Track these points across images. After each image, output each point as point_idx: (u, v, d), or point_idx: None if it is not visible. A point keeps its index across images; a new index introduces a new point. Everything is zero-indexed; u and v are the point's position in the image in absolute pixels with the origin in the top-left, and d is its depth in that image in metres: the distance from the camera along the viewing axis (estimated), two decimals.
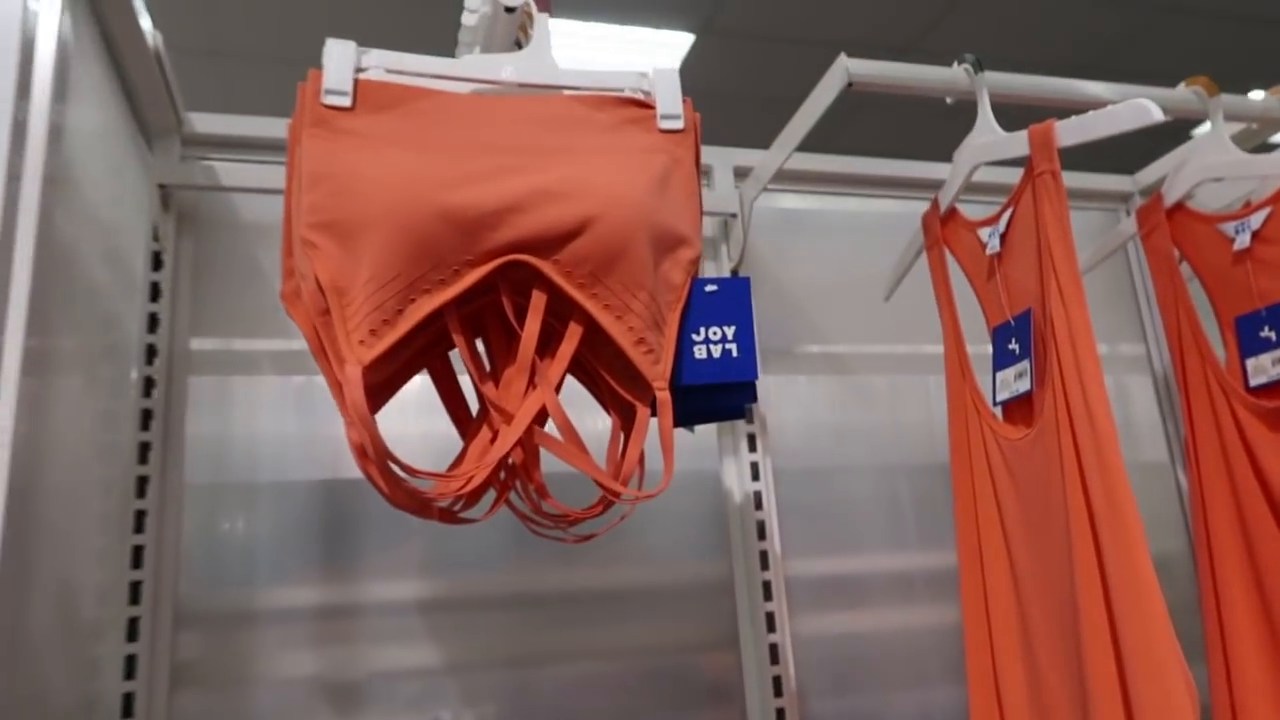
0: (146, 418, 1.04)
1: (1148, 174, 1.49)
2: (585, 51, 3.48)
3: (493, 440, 0.78)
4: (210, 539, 1.06)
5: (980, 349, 1.08)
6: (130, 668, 0.99)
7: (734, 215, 1.30)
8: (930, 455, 1.33)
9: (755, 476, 1.24)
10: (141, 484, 1.03)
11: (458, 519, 0.80)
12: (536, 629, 1.14)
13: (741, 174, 1.33)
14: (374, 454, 0.71)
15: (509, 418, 0.75)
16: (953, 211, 1.10)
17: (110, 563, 0.98)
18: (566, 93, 0.82)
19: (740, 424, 1.26)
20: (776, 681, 1.16)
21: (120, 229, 0.98)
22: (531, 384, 0.76)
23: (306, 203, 0.71)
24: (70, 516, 0.88)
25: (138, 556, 1.01)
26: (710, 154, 1.36)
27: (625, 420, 0.80)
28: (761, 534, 1.22)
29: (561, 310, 0.76)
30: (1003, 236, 0.99)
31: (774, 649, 1.17)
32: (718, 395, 0.80)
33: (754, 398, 0.81)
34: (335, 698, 1.06)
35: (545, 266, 0.73)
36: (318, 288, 0.70)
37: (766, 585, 1.20)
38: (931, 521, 1.31)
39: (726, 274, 1.31)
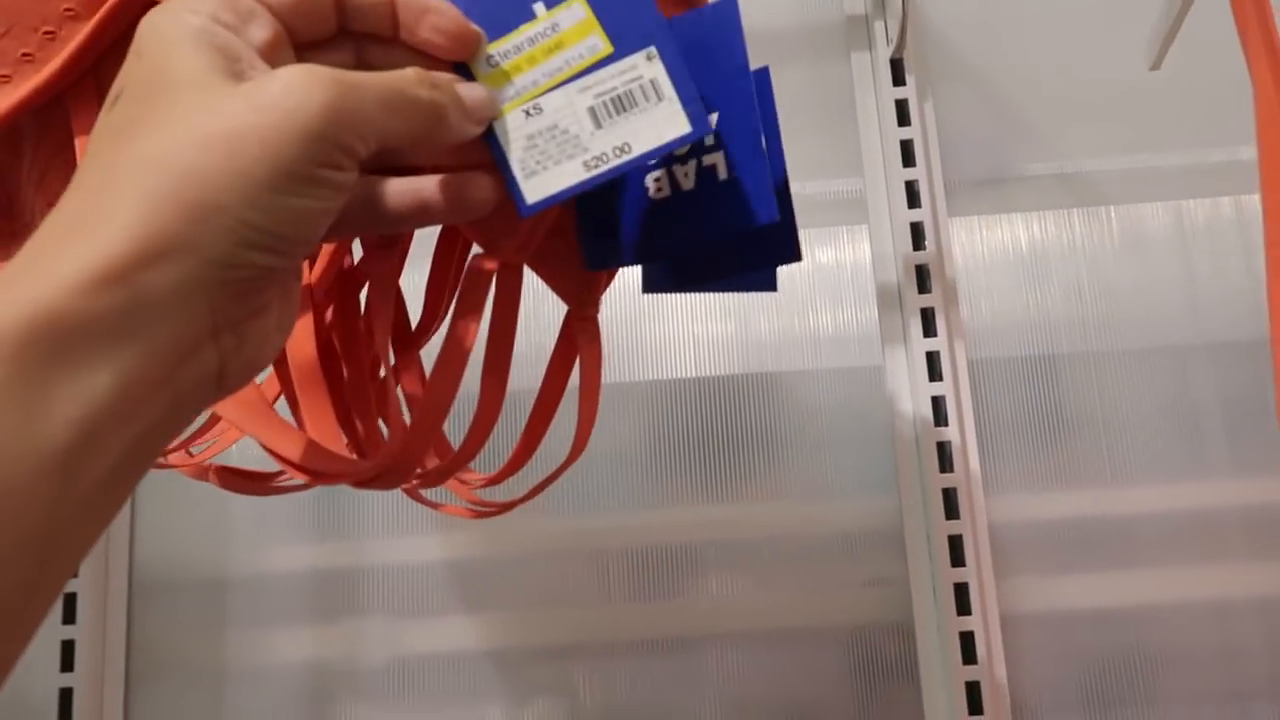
0: None
1: None
2: None
3: None
4: (172, 490, 0.82)
5: None
6: (69, 657, 0.77)
7: None
8: (1247, 326, 0.81)
9: (935, 374, 0.80)
10: None
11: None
12: (622, 592, 0.80)
13: None
14: None
15: None
16: None
17: None
18: None
19: (908, 294, 0.81)
20: (972, 690, 0.75)
21: None
22: None
23: None
24: None
25: None
26: None
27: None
28: (947, 463, 0.78)
29: None
30: None
31: (968, 640, 0.75)
32: (706, 265, 0.38)
33: (794, 253, 0.37)
34: (350, 685, 0.79)
35: None
36: None
37: (955, 541, 0.77)
38: (1253, 432, 0.80)
39: (885, 68, 0.85)
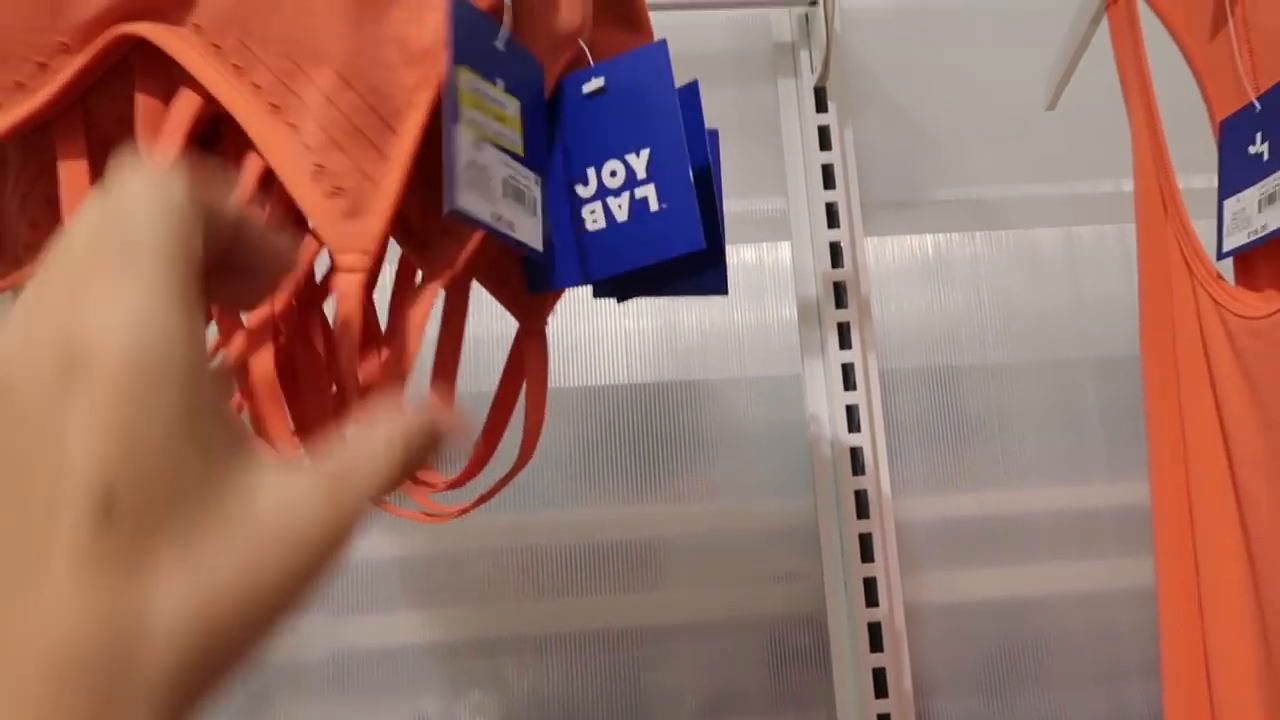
0: None
1: None
2: None
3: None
4: None
5: (1194, 178, 0.65)
6: None
7: (813, 3, 0.89)
8: (1126, 343, 0.89)
9: (849, 384, 0.86)
10: None
11: None
12: (552, 588, 0.84)
13: None
14: None
15: None
16: None
17: None
18: None
19: (826, 309, 0.87)
20: (878, 676, 0.81)
21: None
22: None
23: None
24: None
25: None
26: None
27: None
28: (859, 466, 0.84)
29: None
30: None
31: (875, 630, 0.82)
32: (653, 276, 0.42)
33: (721, 285, 0.42)
34: (290, 679, 0.81)
35: (170, 37, 0.37)
36: None
37: (865, 539, 0.83)
38: (1127, 439, 0.88)
39: (809, 95, 0.91)
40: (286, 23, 0.35)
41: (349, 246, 0.35)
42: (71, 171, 0.40)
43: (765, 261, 0.91)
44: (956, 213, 0.92)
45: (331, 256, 0.35)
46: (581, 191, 0.38)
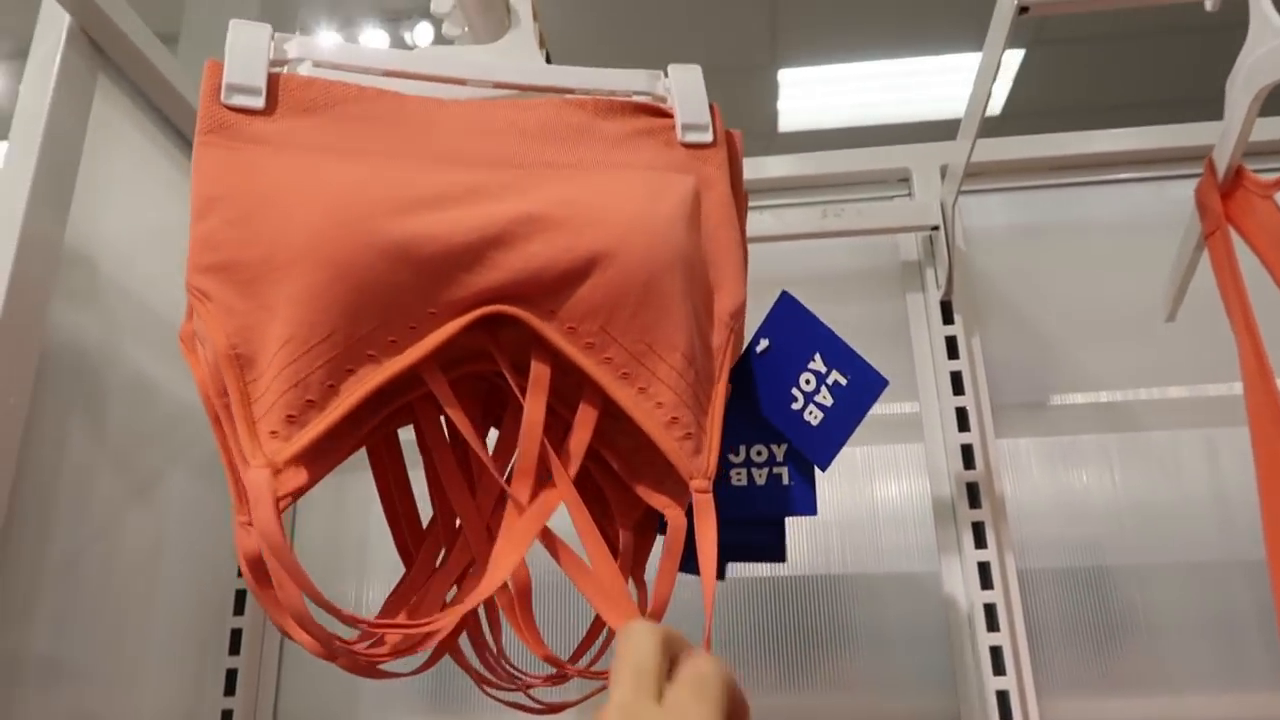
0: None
1: None
2: (901, 90, 3.14)
3: (463, 569, 0.57)
4: (312, 660, 0.94)
5: None
6: None
7: (935, 228, 0.98)
8: None
9: (987, 583, 0.89)
10: (240, 599, 0.94)
11: (374, 671, 0.58)
12: None
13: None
14: (285, 589, 0.53)
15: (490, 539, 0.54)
16: (1238, 175, 0.71)
17: (202, 688, 0.90)
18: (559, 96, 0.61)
19: (961, 509, 0.92)
20: None
21: None
22: (530, 490, 0.53)
23: (197, 236, 0.52)
24: (159, 636, 0.83)
25: (231, 681, 0.92)
26: (909, 154, 1.05)
27: (640, 536, 0.55)
28: (999, 666, 0.86)
29: (559, 381, 0.53)
30: None
31: None
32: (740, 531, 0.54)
33: (782, 550, 0.55)
34: None
35: (538, 321, 0.51)
36: (215, 357, 0.51)
37: None
38: None
39: (936, 308, 0.99)
40: (648, 320, 0.50)
41: (698, 474, 0.49)
42: (460, 418, 0.51)
43: (900, 462, 0.96)
44: (1087, 415, 0.95)
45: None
46: (733, 457, 0.51)
